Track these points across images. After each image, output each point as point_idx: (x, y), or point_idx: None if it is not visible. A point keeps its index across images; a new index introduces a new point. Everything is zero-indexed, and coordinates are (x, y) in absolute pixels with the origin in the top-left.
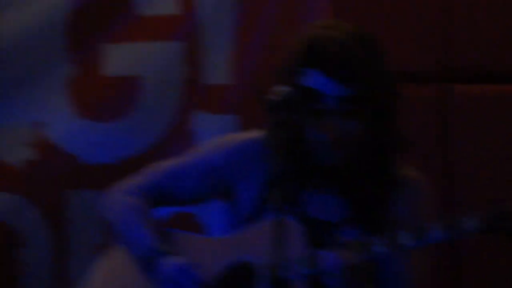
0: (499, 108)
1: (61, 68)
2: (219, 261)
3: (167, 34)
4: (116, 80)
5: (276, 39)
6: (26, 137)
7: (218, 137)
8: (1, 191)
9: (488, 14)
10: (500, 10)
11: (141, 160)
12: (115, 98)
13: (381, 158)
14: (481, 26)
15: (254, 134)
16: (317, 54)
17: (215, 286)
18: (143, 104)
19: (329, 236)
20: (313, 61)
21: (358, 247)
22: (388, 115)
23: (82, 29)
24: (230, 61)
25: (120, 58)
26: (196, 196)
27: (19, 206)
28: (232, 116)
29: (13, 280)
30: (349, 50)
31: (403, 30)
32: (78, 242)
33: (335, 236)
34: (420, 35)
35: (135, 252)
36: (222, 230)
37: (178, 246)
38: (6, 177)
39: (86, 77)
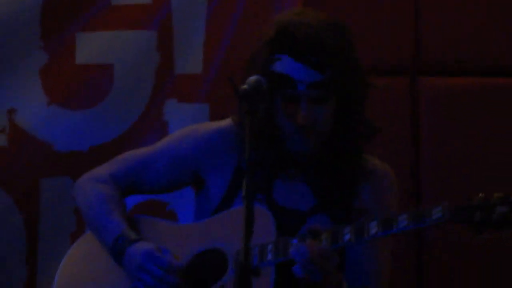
0: (467, 100)
1: (34, 56)
2: (189, 248)
3: (139, 22)
4: (88, 68)
5: (247, 28)
6: None
7: (189, 125)
8: None
9: (458, 8)
10: (469, 4)
11: (113, 148)
12: (87, 86)
13: (349, 145)
14: (450, 20)
15: (224, 122)
16: (288, 39)
17: (185, 272)
18: (115, 92)
19: (298, 224)
20: (284, 46)
21: (326, 235)
22: (357, 103)
23: (55, 17)
24: (202, 51)
25: (92, 46)
26: (166, 183)
27: None
28: (203, 105)
29: None
30: (320, 35)
31: (374, 23)
32: (50, 229)
33: (304, 225)
34: (391, 28)
35: (105, 238)
36: (193, 217)
37: (149, 233)
38: None
39: (59, 65)
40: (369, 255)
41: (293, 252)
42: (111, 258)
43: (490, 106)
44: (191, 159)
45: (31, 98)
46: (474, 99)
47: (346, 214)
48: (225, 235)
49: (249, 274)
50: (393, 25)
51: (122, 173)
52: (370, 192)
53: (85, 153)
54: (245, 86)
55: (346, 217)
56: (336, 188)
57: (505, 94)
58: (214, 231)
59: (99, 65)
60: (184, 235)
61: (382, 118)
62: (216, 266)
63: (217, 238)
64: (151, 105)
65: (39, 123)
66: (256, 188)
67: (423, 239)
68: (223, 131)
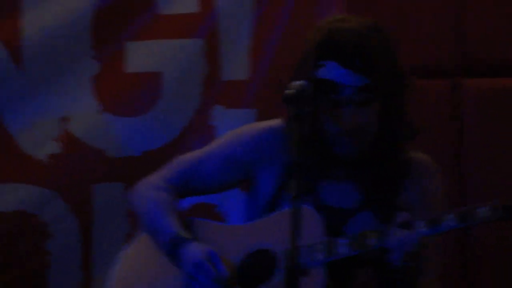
0: (510, 101)
1: (86, 65)
2: (239, 249)
3: (187, 31)
4: (138, 76)
5: (292, 35)
6: (52, 132)
7: (237, 128)
8: (29, 184)
9: (500, 10)
10: (511, 6)
11: (164, 153)
12: (138, 94)
13: (393, 146)
14: (493, 21)
15: (274, 122)
16: (334, 45)
17: (235, 272)
18: (165, 99)
19: (345, 224)
20: (330, 52)
21: (373, 235)
22: (400, 105)
23: (105, 28)
24: (248, 57)
25: (142, 55)
26: (217, 185)
27: (47, 199)
28: (250, 110)
29: (42, 270)
30: (365, 41)
31: (417, 26)
32: (104, 233)
33: (351, 225)
34: (433, 30)
35: (161, 240)
36: (242, 218)
37: (201, 234)
38: (33, 171)
39: (110, 74)
40: (416, 253)
41: (395, 242)
42: (165, 259)
43: None
44: (243, 158)
45: (84, 106)
46: None
47: (390, 211)
48: (273, 236)
49: (297, 274)
50: (433, 24)
51: (176, 177)
52: (414, 186)
53: (137, 158)
54: (290, 91)
55: (390, 214)
56: (380, 185)
57: None
58: (263, 232)
59: (149, 73)
60: (234, 235)
61: (425, 118)
62: (265, 266)
63: (266, 239)
64: (199, 111)
65: (92, 131)
66: (303, 189)
67: (469, 236)
68: (273, 130)
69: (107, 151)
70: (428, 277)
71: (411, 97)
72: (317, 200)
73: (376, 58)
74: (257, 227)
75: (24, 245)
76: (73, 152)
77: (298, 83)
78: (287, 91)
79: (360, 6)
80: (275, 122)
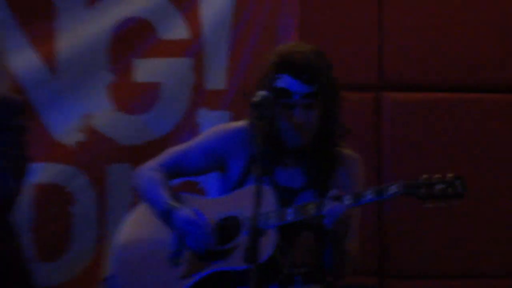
0: (423, 112)
1: (104, 76)
2: (215, 215)
3: (180, 52)
4: (142, 85)
5: (258, 56)
6: (78, 125)
7: (215, 126)
8: (60, 164)
9: (416, 32)
10: (425, 29)
11: (161, 142)
12: (141, 98)
13: (329, 140)
14: (409, 43)
15: (240, 123)
16: (288, 63)
17: (211, 233)
18: (162, 102)
19: (292, 198)
20: (285, 68)
21: (312, 206)
22: (335, 110)
23: (119, 48)
24: (225, 72)
25: (145, 69)
26: (199, 169)
27: (73, 175)
28: (226, 112)
29: (68, 227)
30: (310, 60)
31: (345, 49)
32: (114, 201)
33: (296, 198)
34: (358, 53)
35: (157, 208)
36: (217, 193)
37: (187, 204)
38: (63, 154)
39: (121, 83)
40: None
41: (328, 210)
42: (160, 223)
43: (442, 117)
44: (218, 150)
45: (101, 106)
46: (428, 110)
47: (327, 190)
48: (240, 206)
49: (257, 234)
50: (360, 49)
51: (168, 163)
52: (344, 173)
53: (140, 146)
54: (255, 99)
55: (326, 192)
56: (319, 170)
57: (454, 107)
58: (232, 203)
59: (150, 83)
60: (211, 205)
61: (354, 124)
62: (233, 228)
63: (234, 208)
64: (188, 112)
65: (107, 125)
66: (263, 172)
67: (382, 208)
68: (241, 130)
69: (118, 140)
70: (351, 238)
71: (342, 106)
72: (273, 180)
73: (318, 73)
74: (228, 199)
75: (56, 208)
76: (93, 140)
77: (261, 92)
78: (253, 98)
79: (306, 36)
80: (242, 123)
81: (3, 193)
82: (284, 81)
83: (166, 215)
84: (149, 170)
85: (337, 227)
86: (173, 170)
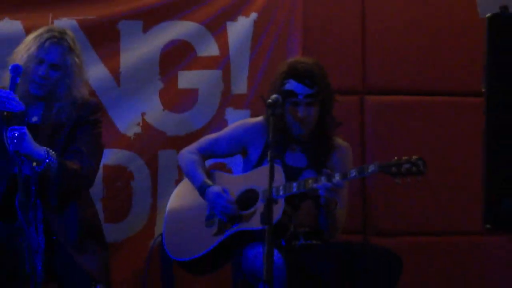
0: (400, 112)
1: (156, 83)
2: (239, 188)
3: (212, 65)
4: (185, 91)
5: (272, 67)
6: (136, 121)
7: (239, 120)
8: (123, 149)
9: (394, 44)
10: (403, 41)
11: (198, 134)
12: (184, 100)
13: (326, 131)
14: (389, 54)
15: (259, 119)
16: (294, 70)
17: (236, 202)
18: (199, 103)
19: (297, 174)
20: (291, 74)
21: (311, 181)
22: (330, 106)
23: (167, 62)
24: (246, 80)
25: (187, 78)
26: (226, 153)
27: (133, 158)
28: (247, 110)
29: (129, 198)
30: (310, 68)
31: (336, 60)
32: (163, 178)
33: (301, 175)
34: (344, 63)
35: (195, 184)
36: (241, 171)
37: (218, 180)
38: (125, 142)
39: (169, 89)
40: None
41: (321, 185)
42: (198, 195)
43: (416, 116)
44: (241, 138)
45: (154, 107)
46: (407, 111)
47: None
48: (258, 181)
49: (270, 202)
50: (346, 60)
51: (203, 148)
52: (337, 157)
53: (183, 137)
54: (269, 100)
55: (323, 172)
56: (318, 154)
57: (426, 108)
58: (251, 179)
59: (190, 89)
60: (235, 180)
61: (344, 121)
62: (252, 198)
63: (253, 182)
64: (218, 111)
65: (158, 120)
66: (275, 155)
67: (365, 183)
68: (258, 124)
69: (166, 132)
70: (340, 207)
71: (335, 107)
72: (283, 162)
73: (317, 78)
74: (248, 176)
75: (120, 184)
76: (147, 132)
77: (274, 95)
78: (268, 100)
79: (308, 52)
80: (259, 119)
81: (86, 171)
82: (290, 85)
83: (201, 190)
84: (189, 152)
85: (329, 198)
86: (206, 153)
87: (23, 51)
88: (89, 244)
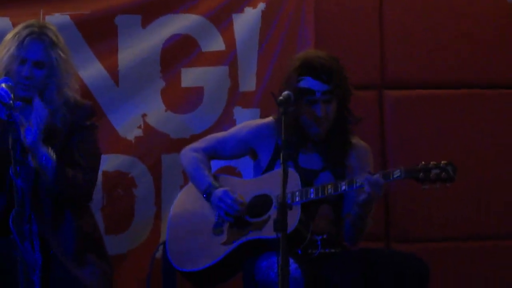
0: (420, 107)
1: (157, 82)
2: (249, 193)
3: (218, 61)
4: (188, 89)
5: (282, 62)
6: (137, 123)
7: (247, 120)
8: (123, 154)
9: (413, 37)
10: (422, 34)
11: (204, 136)
12: (188, 99)
13: (343, 129)
14: (408, 47)
15: (267, 119)
16: (310, 67)
17: (246, 207)
18: (205, 103)
19: (313, 178)
20: (307, 70)
21: (329, 186)
22: (347, 104)
23: (169, 59)
24: (255, 77)
25: (190, 75)
26: (231, 155)
27: (134, 163)
28: (256, 109)
29: (131, 206)
30: (327, 63)
31: (354, 54)
32: (167, 184)
33: (317, 178)
34: (363, 57)
35: (199, 187)
36: (251, 175)
37: (225, 184)
38: (126, 146)
39: (171, 88)
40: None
41: (366, 179)
42: (202, 199)
43: (437, 111)
44: (248, 140)
45: (156, 107)
46: (427, 106)
47: (341, 172)
48: (270, 186)
49: (285, 209)
50: (364, 54)
51: (209, 147)
52: (355, 158)
53: (187, 139)
54: (281, 98)
55: (341, 174)
56: (335, 155)
57: (447, 102)
58: (263, 183)
59: (195, 87)
60: (246, 185)
61: (362, 118)
62: (265, 204)
63: (265, 187)
64: (226, 110)
65: (160, 122)
66: (288, 157)
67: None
68: (267, 124)
69: (170, 135)
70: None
71: (353, 102)
72: (296, 164)
73: (333, 74)
74: (260, 180)
75: (121, 191)
76: (149, 135)
77: (285, 92)
78: (279, 97)
79: (321, 44)
80: (268, 119)
81: (85, 189)
82: (306, 82)
83: (207, 193)
84: (193, 151)
85: (374, 193)
86: (210, 153)
87: (3, 53)
88: (89, 257)
